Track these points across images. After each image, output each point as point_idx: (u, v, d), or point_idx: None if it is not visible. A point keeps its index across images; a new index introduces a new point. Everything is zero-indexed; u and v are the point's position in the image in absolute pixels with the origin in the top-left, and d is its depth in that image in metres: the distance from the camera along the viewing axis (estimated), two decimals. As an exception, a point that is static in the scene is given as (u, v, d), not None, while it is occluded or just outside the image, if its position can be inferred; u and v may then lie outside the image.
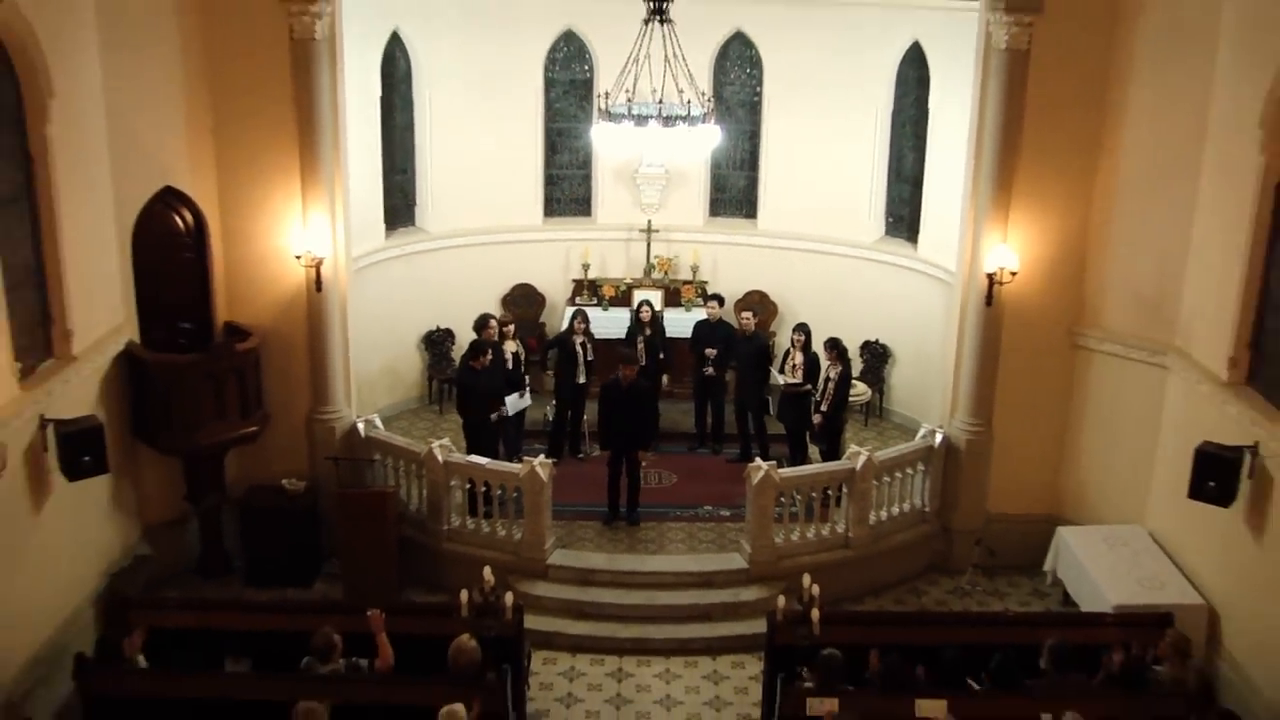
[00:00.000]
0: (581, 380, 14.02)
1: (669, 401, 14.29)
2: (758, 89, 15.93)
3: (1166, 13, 11.18)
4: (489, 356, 12.90)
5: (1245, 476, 9.80)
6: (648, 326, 14.34)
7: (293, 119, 11.86)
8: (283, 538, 12.15)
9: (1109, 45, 11.55)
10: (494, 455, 12.64)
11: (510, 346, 13.59)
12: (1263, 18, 9.94)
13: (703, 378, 14.39)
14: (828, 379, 13.31)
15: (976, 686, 9.11)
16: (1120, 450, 12.08)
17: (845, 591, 11.72)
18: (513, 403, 13.32)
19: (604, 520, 12.87)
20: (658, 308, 15.14)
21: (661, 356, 14.28)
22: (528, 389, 13.72)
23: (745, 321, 14.33)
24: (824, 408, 13.32)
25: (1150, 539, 11.54)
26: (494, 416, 13.02)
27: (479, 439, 12.81)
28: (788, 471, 12.08)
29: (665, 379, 14.35)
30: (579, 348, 13.94)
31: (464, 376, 13.14)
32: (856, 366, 15.22)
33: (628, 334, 14.49)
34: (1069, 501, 12.66)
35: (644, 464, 12.92)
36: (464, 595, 9.88)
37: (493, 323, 13.48)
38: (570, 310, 14.95)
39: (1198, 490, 10.05)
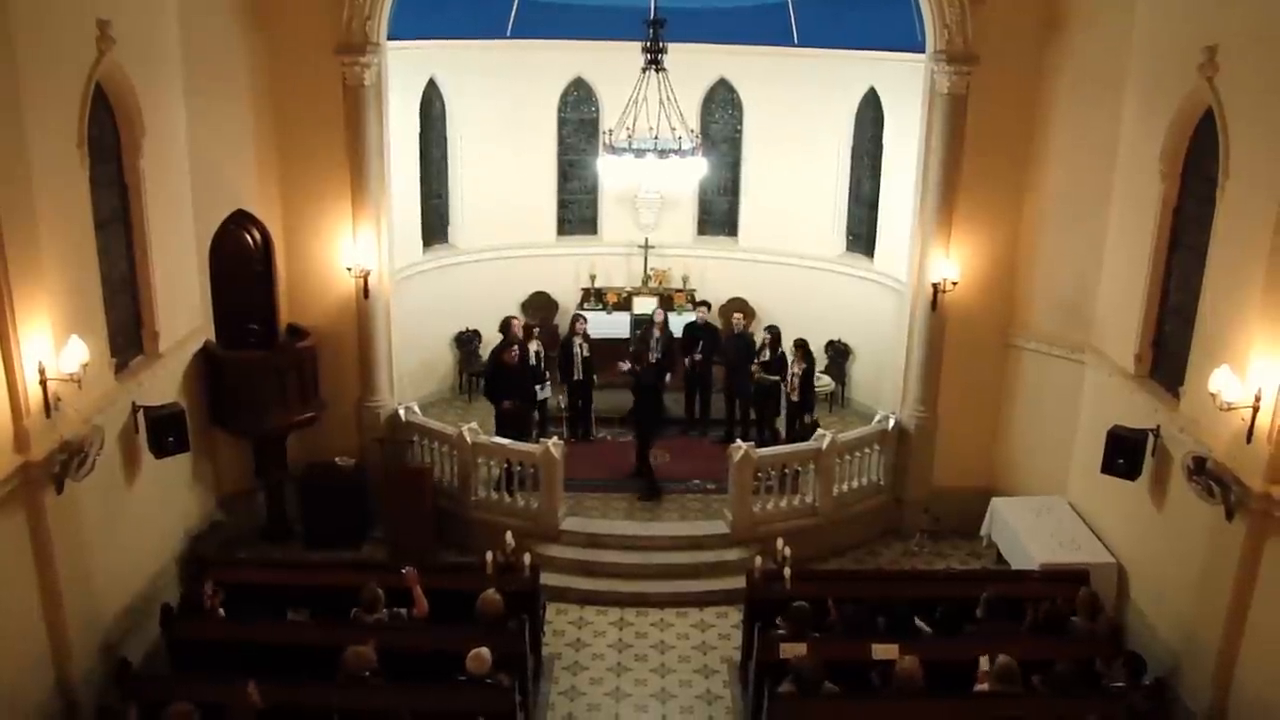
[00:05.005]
0: (578, 377, 13.81)
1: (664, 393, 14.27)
2: (738, 127, 15.90)
3: (1082, 66, 11.26)
4: (516, 351, 12.86)
5: (1149, 454, 9.89)
6: (658, 329, 14.18)
7: (345, 152, 11.93)
8: (336, 507, 12.18)
9: (1036, 91, 11.60)
10: (523, 436, 12.63)
11: (533, 346, 13.54)
12: (1161, 70, 10.02)
13: (693, 371, 14.34)
14: (794, 373, 13.38)
15: (925, 626, 9.19)
16: (1045, 432, 12.13)
17: (813, 553, 11.68)
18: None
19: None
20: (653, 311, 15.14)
21: (663, 356, 14.21)
22: (547, 382, 13.70)
23: (737, 320, 14.32)
24: (793, 397, 13.40)
25: (1070, 508, 11.59)
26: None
27: (506, 420, 12.79)
28: (764, 451, 12.11)
29: (668, 377, 13.97)
30: (576, 348, 13.78)
31: (494, 367, 13.09)
32: (821, 362, 15.29)
33: (641, 337, 14.42)
34: (1001, 476, 12.69)
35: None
36: (489, 556, 9.94)
37: (515, 321, 13.46)
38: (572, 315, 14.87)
39: (1110, 466, 10.14)
